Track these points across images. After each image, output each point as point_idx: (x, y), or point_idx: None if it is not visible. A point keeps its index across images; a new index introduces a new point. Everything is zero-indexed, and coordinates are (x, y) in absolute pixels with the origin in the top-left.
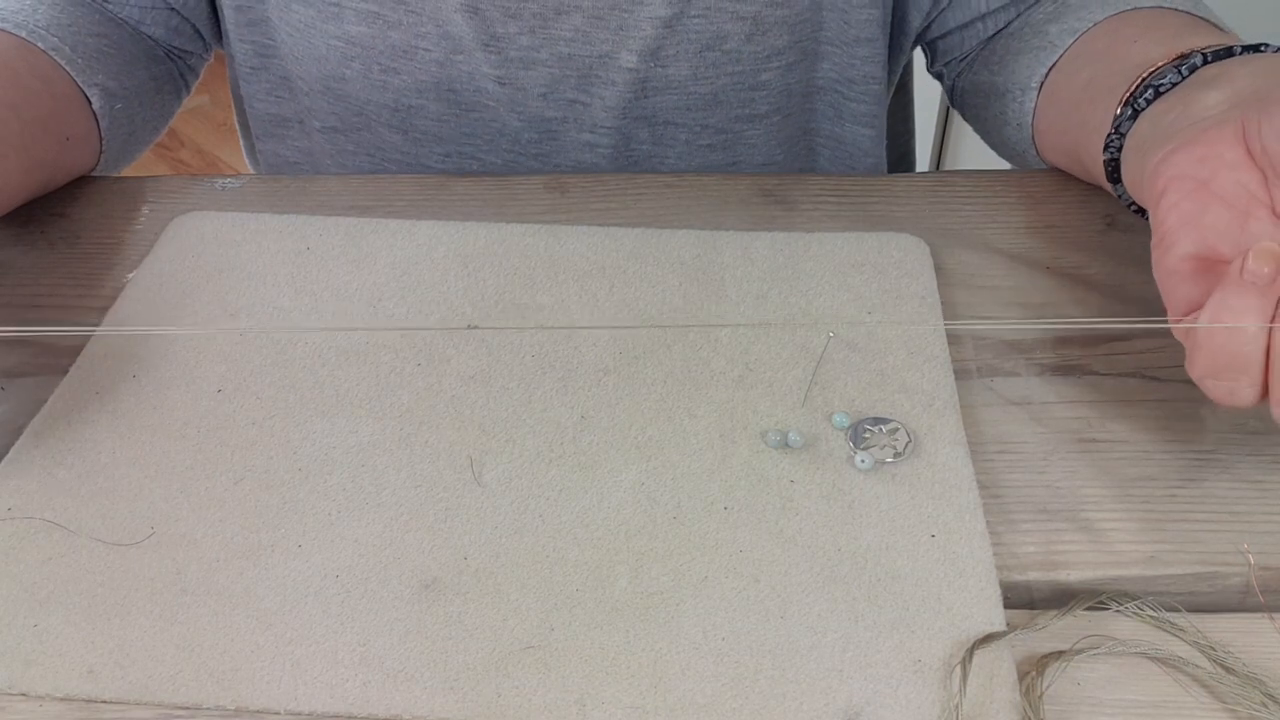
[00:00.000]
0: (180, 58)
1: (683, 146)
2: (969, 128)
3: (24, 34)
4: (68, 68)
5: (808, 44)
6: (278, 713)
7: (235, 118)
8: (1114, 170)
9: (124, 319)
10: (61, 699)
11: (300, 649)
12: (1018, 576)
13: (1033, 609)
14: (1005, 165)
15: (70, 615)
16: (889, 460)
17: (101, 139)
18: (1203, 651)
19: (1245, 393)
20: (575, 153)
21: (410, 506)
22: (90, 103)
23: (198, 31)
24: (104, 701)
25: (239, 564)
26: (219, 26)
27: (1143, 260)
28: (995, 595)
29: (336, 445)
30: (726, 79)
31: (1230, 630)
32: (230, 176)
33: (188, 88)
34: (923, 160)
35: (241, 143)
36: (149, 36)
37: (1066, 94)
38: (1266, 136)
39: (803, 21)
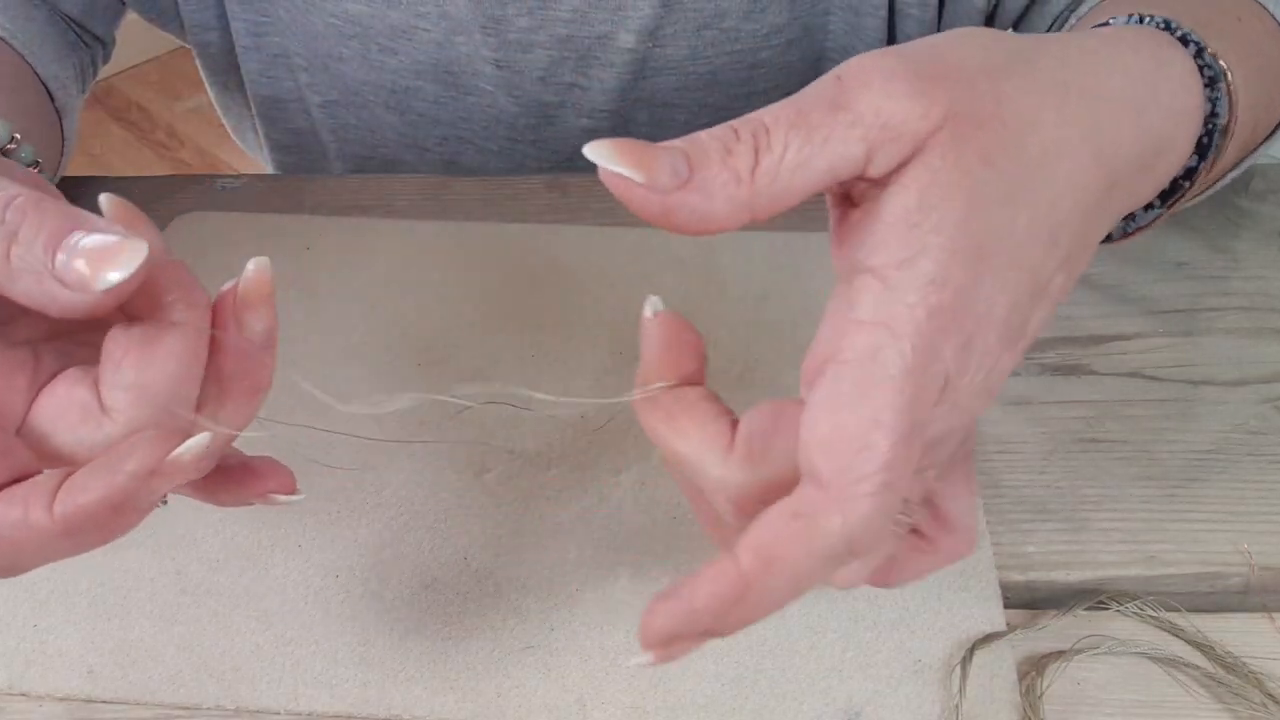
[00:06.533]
0: (88, 46)
1: (681, 128)
2: None
3: (17, 44)
4: (57, 95)
5: (808, 19)
6: (278, 713)
7: (217, 109)
8: None
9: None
10: (61, 699)
11: (300, 649)
12: (1018, 576)
13: (1033, 609)
14: None
15: (70, 615)
16: None
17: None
18: (1203, 651)
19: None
20: (574, 138)
21: (410, 506)
22: (61, 129)
23: (108, 13)
24: (104, 701)
25: (239, 564)
26: (116, 18)
27: (1143, 260)
28: (995, 595)
29: (337, 445)
30: (725, 58)
31: (1230, 630)
32: (230, 176)
33: (85, 91)
34: None
35: (229, 128)
36: (64, 16)
37: None
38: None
39: None
